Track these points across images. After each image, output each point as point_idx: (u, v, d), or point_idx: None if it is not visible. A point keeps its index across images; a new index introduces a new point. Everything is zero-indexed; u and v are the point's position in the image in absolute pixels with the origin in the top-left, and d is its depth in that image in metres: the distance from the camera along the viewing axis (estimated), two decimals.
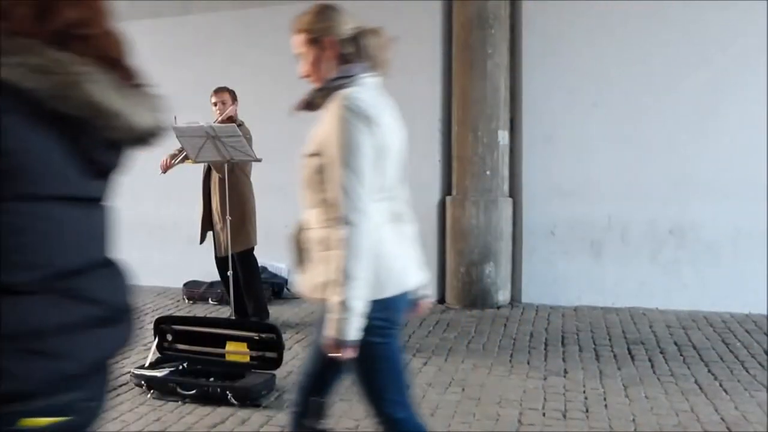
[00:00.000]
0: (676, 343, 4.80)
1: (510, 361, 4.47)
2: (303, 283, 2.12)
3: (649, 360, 4.44)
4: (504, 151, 6.06)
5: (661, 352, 4.60)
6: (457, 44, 6.07)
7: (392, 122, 2.03)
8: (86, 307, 1.24)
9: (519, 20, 6.08)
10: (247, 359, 4.01)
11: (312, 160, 1.98)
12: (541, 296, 6.08)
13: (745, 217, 5.59)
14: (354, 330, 1.87)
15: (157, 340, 4.21)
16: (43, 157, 1.16)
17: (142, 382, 3.87)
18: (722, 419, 3.44)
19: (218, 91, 5.28)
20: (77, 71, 1.17)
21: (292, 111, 2.10)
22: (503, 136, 6.04)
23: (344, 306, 1.85)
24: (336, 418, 3.49)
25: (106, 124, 1.22)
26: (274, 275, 6.50)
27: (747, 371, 4.19)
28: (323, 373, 2.18)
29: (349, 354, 1.90)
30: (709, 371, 4.20)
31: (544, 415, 3.54)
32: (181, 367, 4.00)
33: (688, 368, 4.26)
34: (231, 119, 5.20)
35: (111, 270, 1.35)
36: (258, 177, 5.40)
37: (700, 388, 3.89)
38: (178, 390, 3.75)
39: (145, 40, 7.66)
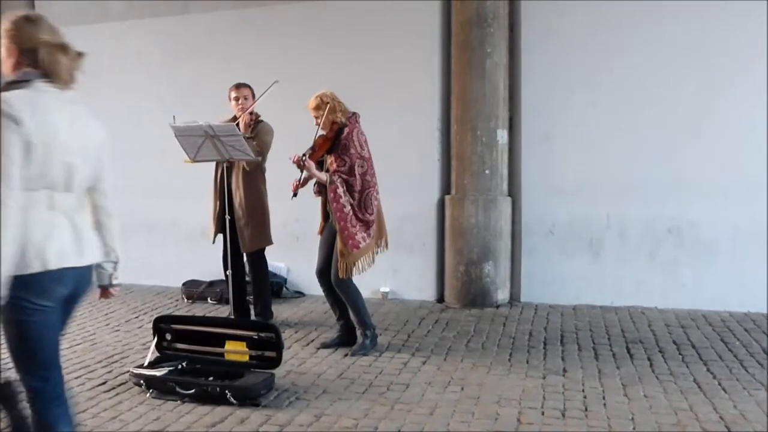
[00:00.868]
0: (674, 342, 4.81)
1: (509, 360, 4.47)
2: None
3: (648, 359, 4.44)
4: (503, 150, 6.06)
5: (660, 351, 4.60)
6: (456, 43, 6.08)
7: (62, 124, 2.28)
8: None
9: (518, 19, 6.08)
10: (246, 358, 4.01)
11: None
12: (540, 295, 6.08)
13: (744, 216, 5.60)
14: None
15: (156, 339, 4.21)
16: None
17: (141, 382, 3.87)
18: (721, 418, 3.44)
19: (239, 86, 5.20)
20: None
21: None
22: (502, 135, 6.04)
23: None
24: (335, 417, 3.49)
25: None
26: (273, 274, 6.50)
27: (746, 370, 4.19)
28: None
29: None
30: (707, 370, 4.21)
31: (543, 414, 3.54)
32: (180, 367, 4.00)
33: (687, 367, 4.26)
34: (252, 115, 5.20)
35: None
36: None
37: (699, 387, 3.89)
38: (177, 389, 3.75)
39: (144, 40, 7.74)
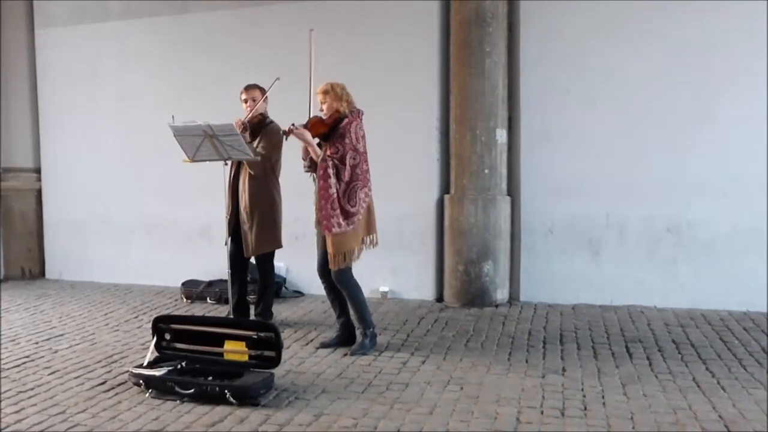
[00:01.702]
0: (674, 341, 4.81)
1: (508, 359, 4.48)
2: None
3: (647, 358, 4.44)
4: (502, 149, 6.06)
5: (659, 350, 4.60)
6: (455, 42, 6.08)
7: None
8: None
9: (517, 18, 6.08)
10: (245, 358, 4.01)
11: None
12: (540, 294, 6.09)
13: (743, 215, 5.60)
14: None
15: (155, 339, 4.21)
16: None
17: (141, 381, 3.87)
18: (720, 417, 3.44)
19: (249, 88, 5.20)
20: None
21: None
22: (501, 135, 6.05)
23: None
24: (334, 417, 3.49)
25: None
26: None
27: (745, 369, 4.19)
28: None
29: None
30: (707, 369, 4.21)
31: (542, 413, 3.54)
32: (179, 366, 4.00)
33: (686, 366, 4.26)
34: (262, 116, 5.18)
35: None
36: None
37: (698, 386, 3.90)
38: (177, 389, 3.75)
39: (144, 39, 7.72)
